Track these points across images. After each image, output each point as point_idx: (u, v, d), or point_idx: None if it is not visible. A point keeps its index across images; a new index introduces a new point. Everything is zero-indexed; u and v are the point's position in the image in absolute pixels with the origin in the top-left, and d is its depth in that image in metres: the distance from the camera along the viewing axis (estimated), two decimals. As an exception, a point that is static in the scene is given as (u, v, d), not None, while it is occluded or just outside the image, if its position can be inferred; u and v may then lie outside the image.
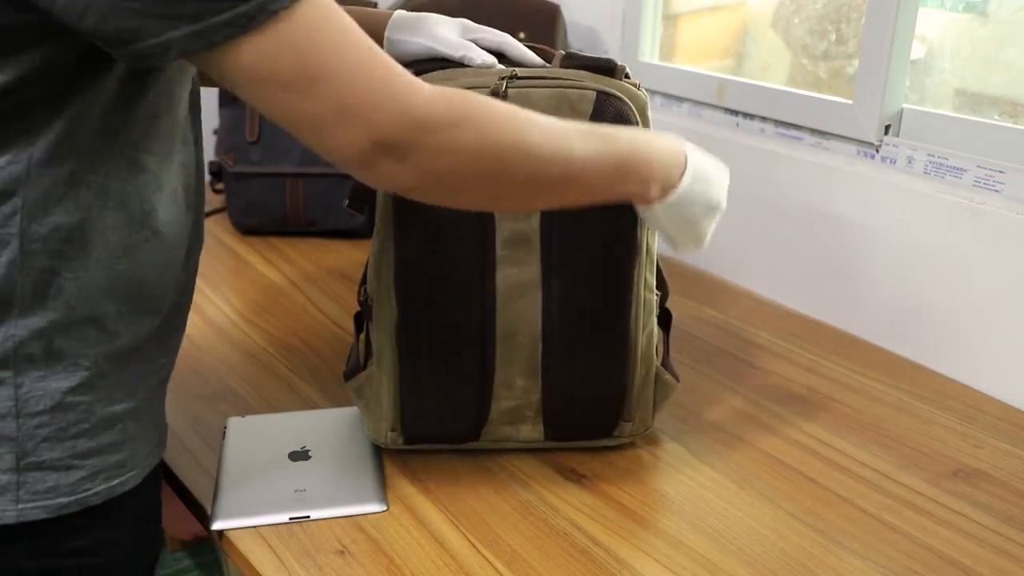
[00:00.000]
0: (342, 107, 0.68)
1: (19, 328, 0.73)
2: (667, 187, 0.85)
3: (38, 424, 0.75)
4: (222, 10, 0.64)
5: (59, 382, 0.75)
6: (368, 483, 0.97)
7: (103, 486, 0.79)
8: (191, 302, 0.89)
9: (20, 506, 0.75)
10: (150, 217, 0.78)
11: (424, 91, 0.71)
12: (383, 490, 0.96)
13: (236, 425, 1.07)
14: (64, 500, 0.76)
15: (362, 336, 1.06)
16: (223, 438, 1.05)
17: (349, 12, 0.99)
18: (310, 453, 1.02)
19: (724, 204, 0.90)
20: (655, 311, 1.03)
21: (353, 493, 0.96)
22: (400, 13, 0.99)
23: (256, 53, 0.66)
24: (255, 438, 1.05)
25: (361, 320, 1.06)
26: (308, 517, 0.92)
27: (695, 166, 0.87)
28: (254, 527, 0.91)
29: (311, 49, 0.66)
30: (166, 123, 0.79)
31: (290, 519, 0.92)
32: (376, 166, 0.71)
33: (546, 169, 0.77)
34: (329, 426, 1.08)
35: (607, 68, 0.96)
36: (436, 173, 0.73)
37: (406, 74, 0.71)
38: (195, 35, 0.64)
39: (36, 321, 0.73)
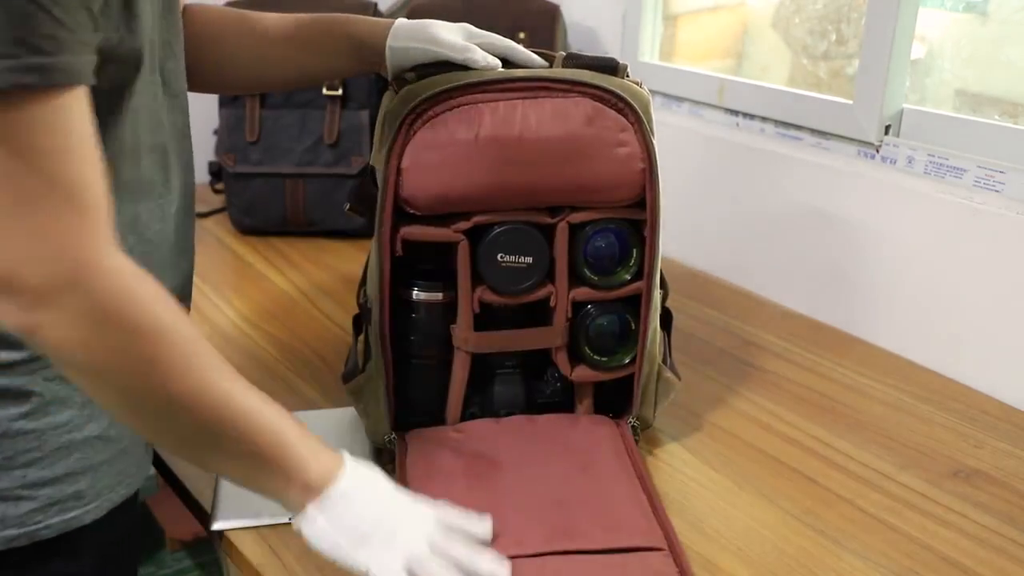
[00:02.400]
0: (11, 227, 0.59)
1: None
2: (302, 499, 0.75)
3: None
4: None
5: (6, 408, 0.71)
6: None
7: (57, 519, 0.74)
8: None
9: None
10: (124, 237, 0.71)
11: (107, 252, 0.62)
12: None
13: None
14: (13, 532, 0.72)
15: (361, 338, 1.06)
16: None
17: (351, 21, 0.99)
18: None
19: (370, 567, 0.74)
20: (658, 309, 1.03)
21: None
22: (402, 21, 0.99)
23: None
24: None
25: (360, 322, 1.06)
26: None
27: (348, 490, 0.75)
28: (254, 527, 0.91)
29: (28, 144, 0.58)
30: (138, 136, 0.75)
31: (290, 519, 0.92)
32: (11, 301, 0.61)
33: (186, 405, 0.68)
34: (329, 426, 1.08)
35: (609, 67, 0.96)
36: (56, 340, 0.63)
37: (105, 232, 0.62)
38: None
39: None
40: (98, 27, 0.64)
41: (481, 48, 0.96)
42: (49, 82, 0.58)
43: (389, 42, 0.97)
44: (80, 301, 0.62)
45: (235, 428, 0.70)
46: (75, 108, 0.61)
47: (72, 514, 0.75)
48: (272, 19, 0.98)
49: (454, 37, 0.96)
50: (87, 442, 0.76)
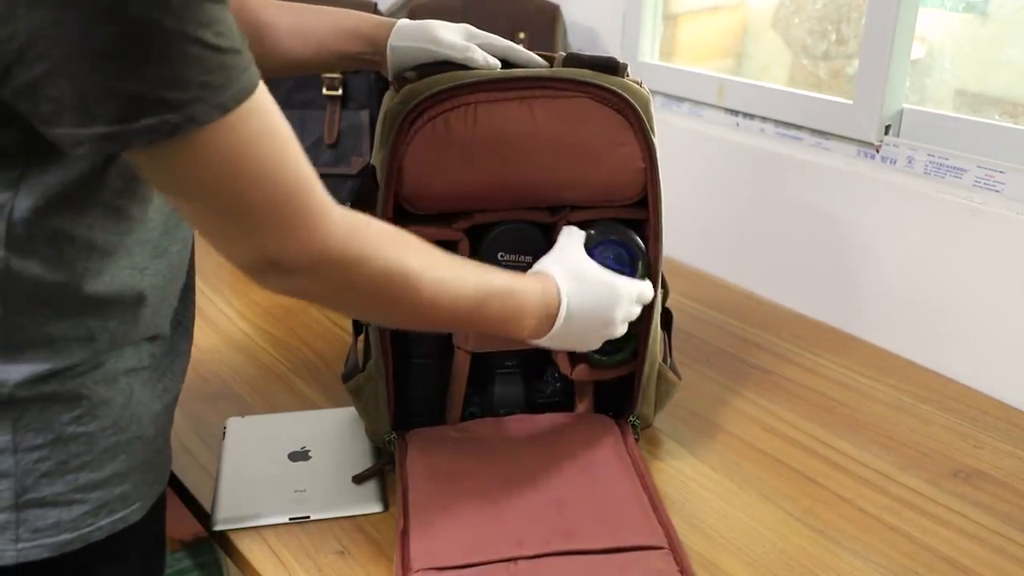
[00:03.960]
0: (251, 228, 0.67)
1: (10, 372, 0.70)
2: (538, 333, 0.89)
3: (37, 458, 0.72)
4: (145, 115, 0.59)
5: (59, 414, 0.72)
6: (368, 484, 0.97)
7: (107, 520, 0.75)
8: (192, 322, 0.87)
9: (19, 545, 0.72)
10: (134, 255, 0.75)
11: (334, 226, 0.71)
12: (383, 490, 0.96)
13: (236, 425, 1.07)
14: (67, 537, 0.73)
15: (361, 338, 1.06)
16: (223, 438, 1.05)
17: (352, 19, 0.99)
18: (310, 453, 1.02)
19: (615, 322, 0.92)
20: (659, 309, 1.03)
21: (353, 493, 0.96)
22: (403, 21, 0.99)
23: (174, 162, 0.62)
24: (255, 438, 1.05)
25: (360, 322, 1.06)
26: (308, 517, 0.92)
27: (570, 308, 0.89)
28: (254, 527, 0.91)
29: (232, 166, 0.64)
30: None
31: (290, 519, 0.92)
32: (265, 276, 0.71)
33: (427, 312, 0.80)
34: (329, 426, 1.08)
35: (610, 66, 0.96)
36: (316, 296, 0.77)
37: (323, 199, 0.71)
38: (109, 137, 0.60)
39: (27, 368, 0.70)
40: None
41: (481, 48, 0.96)
42: (227, 111, 0.62)
43: (391, 41, 0.98)
44: (328, 273, 0.72)
45: (475, 319, 0.84)
46: (262, 107, 0.65)
47: (120, 514, 0.77)
48: (276, 8, 0.99)
49: (454, 37, 0.96)
50: (130, 443, 0.77)
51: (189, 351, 0.87)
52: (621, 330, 0.93)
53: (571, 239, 0.95)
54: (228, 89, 0.62)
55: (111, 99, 0.58)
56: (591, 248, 0.97)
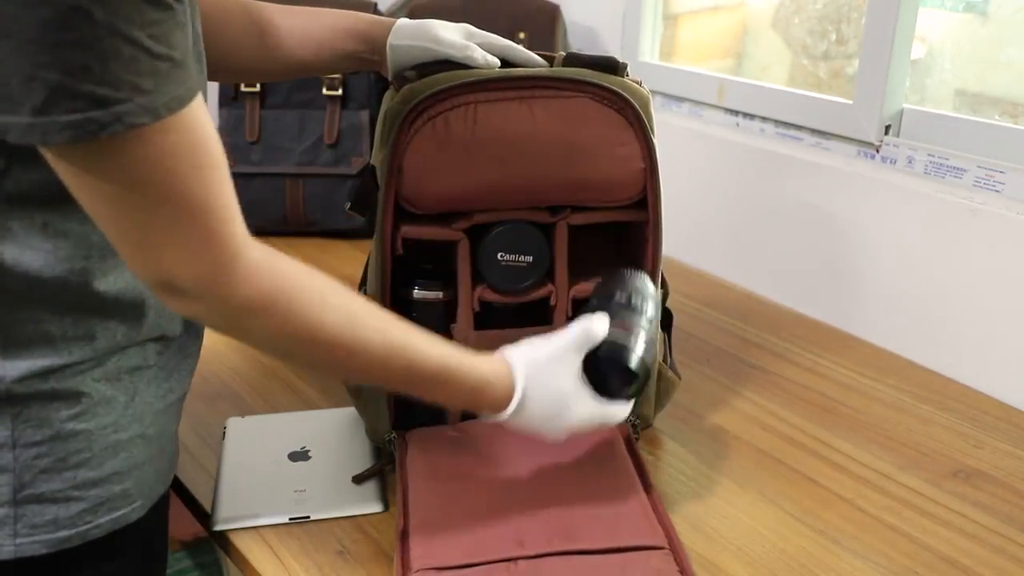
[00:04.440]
0: (153, 243, 0.64)
1: (8, 368, 0.70)
2: (490, 409, 0.83)
3: (36, 454, 0.72)
4: (70, 109, 0.57)
5: (58, 411, 0.72)
6: (368, 484, 0.97)
7: (106, 518, 0.75)
8: (202, 327, 0.87)
9: (17, 540, 0.72)
10: None
11: (249, 264, 0.68)
12: (383, 490, 0.96)
13: (236, 425, 1.07)
14: (65, 533, 0.73)
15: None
16: (223, 438, 1.05)
17: (351, 19, 0.99)
18: (310, 453, 1.02)
19: (574, 421, 0.85)
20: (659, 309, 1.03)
21: (353, 493, 0.96)
22: (403, 20, 0.99)
23: (93, 162, 0.61)
24: (255, 438, 1.05)
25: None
26: (308, 517, 0.92)
27: (526, 394, 0.82)
28: (254, 527, 0.91)
29: (151, 176, 0.62)
30: None
31: (290, 519, 0.92)
32: (162, 295, 0.68)
33: (341, 370, 0.78)
34: (329, 426, 1.08)
35: (610, 66, 0.96)
36: (216, 327, 0.73)
37: (235, 232, 0.67)
38: (33, 127, 0.58)
39: (26, 364, 0.71)
40: (184, 33, 0.65)
41: (480, 48, 0.96)
42: (157, 117, 0.61)
43: (390, 40, 0.98)
44: (221, 308, 0.69)
45: (406, 379, 0.79)
46: (194, 123, 0.64)
47: (119, 513, 0.77)
48: (276, 10, 0.99)
49: (454, 36, 0.96)
50: (131, 442, 0.77)
51: (198, 352, 0.87)
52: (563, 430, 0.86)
53: (572, 335, 0.86)
54: (160, 96, 0.60)
55: (34, 87, 0.57)
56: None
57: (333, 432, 1.06)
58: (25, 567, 0.73)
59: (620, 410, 0.87)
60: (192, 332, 0.84)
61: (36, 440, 0.72)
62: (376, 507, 0.94)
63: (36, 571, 0.73)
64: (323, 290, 0.74)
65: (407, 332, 0.77)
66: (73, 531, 0.74)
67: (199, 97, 0.64)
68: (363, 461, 1.01)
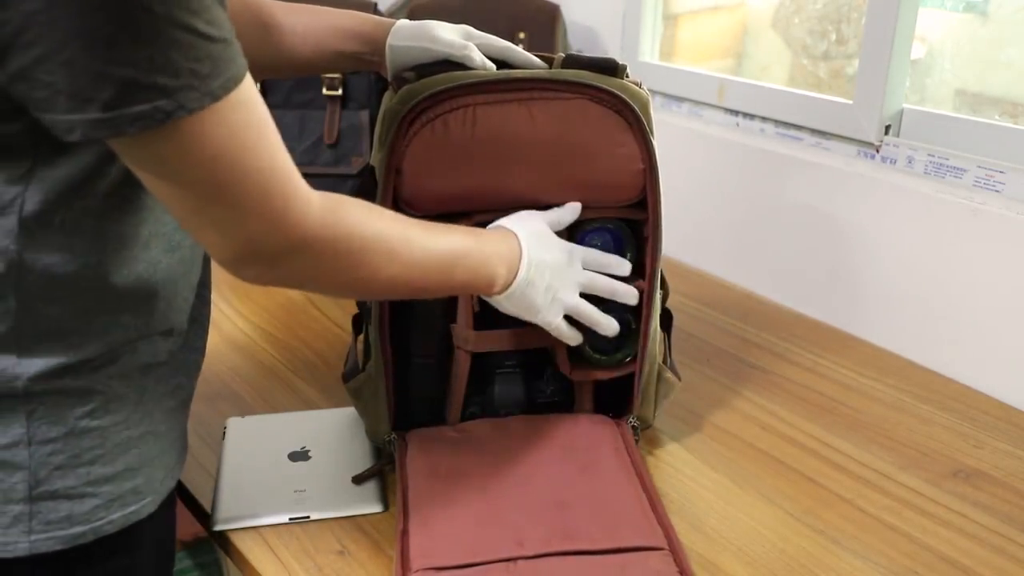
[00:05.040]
0: (234, 217, 0.68)
1: (25, 366, 0.71)
2: (503, 284, 0.90)
3: (51, 451, 0.72)
4: (138, 101, 0.60)
5: (72, 408, 0.73)
6: (368, 484, 0.97)
7: (118, 514, 0.76)
8: (208, 318, 0.88)
9: (32, 537, 0.72)
10: (150, 248, 0.76)
11: (313, 214, 0.71)
12: (383, 490, 0.96)
13: (236, 425, 1.07)
14: (79, 529, 0.74)
15: (360, 338, 1.06)
16: (223, 438, 1.05)
17: (351, 19, 1.00)
18: (310, 453, 1.02)
19: (566, 297, 0.95)
20: (658, 309, 1.03)
21: (352, 494, 0.96)
22: (403, 21, 1.00)
23: (161, 149, 0.63)
24: (255, 438, 1.05)
25: (360, 322, 1.06)
26: (308, 517, 0.92)
27: (530, 262, 0.91)
28: (254, 527, 0.91)
29: (218, 155, 0.65)
30: None
31: (290, 519, 0.92)
32: (246, 267, 0.72)
33: (404, 278, 0.81)
34: (329, 426, 1.08)
35: (609, 67, 0.96)
36: (299, 281, 0.78)
37: (300, 186, 0.71)
38: (102, 122, 0.61)
39: (42, 362, 0.71)
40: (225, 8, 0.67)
41: (479, 48, 0.97)
42: (216, 99, 0.63)
43: (390, 41, 0.98)
44: (311, 255, 0.73)
45: (448, 279, 0.86)
46: (249, 98, 0.66)
47: (132, 508, 0.77)
48: (278, 7, 1.00)
49: (453, 36, 0.97)
50: (142, 438, 0.78)
51: (204, 348, 0.87)
52: (572, 298, 0.95)
53: (531, 213, 0.96)
54: (217, 78, 0.63)
55: (104, 84, 0.59)
56: (584, 232, 0.98)
57: (333, 432, 1.06)
58: (39, 563, 0.73)
59: (614, 260, 0.98)
60: (197, 327, 0.85)
61: (51, 437, 0.72)
62: (376, 507, 0.94)
63: (49, 567, 0.74)
64: (372, 207, 0.80)
65: (431, 225, 0.85)
66: (87, 527, 0.75)
67: (248, 73, 0.67)
68: (363, 461, 1.01)
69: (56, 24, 0.58)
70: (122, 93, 0.60)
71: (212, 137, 0.64)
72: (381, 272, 0.79)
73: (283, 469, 1.00)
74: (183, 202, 0.67)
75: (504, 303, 0.92)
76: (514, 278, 0.90)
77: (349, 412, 1.10)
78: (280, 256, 0.71)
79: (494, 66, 0.97)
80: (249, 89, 0.66)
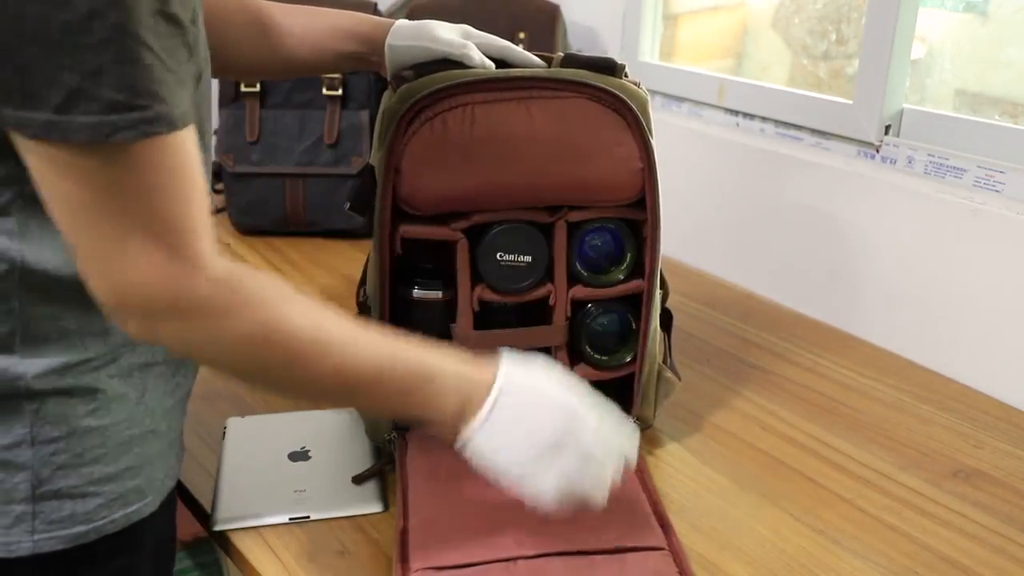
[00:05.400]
0: (133, 255, 0.64)
1: (28, 366, 0.71)
2: (457, 420, 0.77)
3: (54, 451, 0.73)
4: (89, 111, 0.59)
5: (75, 407, 0.73)
6: (368, 484, 0.97)
7: (120, 513, 0.76)
8: None
9: (36, 537, 0.73)
10: None
11: (215, 272, 0.67)
12: (383, 490, 0.96)
13: (236, 425, 1.07)
14: (81, 529, 0.74)
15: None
16: (223, 438, 1.05)
17: (350, 19, 1.00)
18: (310, 453, 1.02)
19: (589, 448, 0.76)
20: (658, 309, 1.03)
21: (353, 493, 0.96)
22: (402, 21, 1.00)
23: (92, 164, 0.61)
24: (255, 438, 1.05)
25: (360, 321, 1.05)
26: (308, 517, 0.92)
27: (508, 398, 0.75)
28: (254, 527, 0.91)
29: (147, 185, 0.63)
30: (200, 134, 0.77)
31: (290, 519, 0.92)
32: (123, 317, 0.68)
33: (308, 378, 0.73)
34: (329, 426, 1.08)
35: (608, 67, 0.96)
36: (183, 343, 0.70)
37: (203, 253, 0.66)
38: (52, 125, 0.60)
39: (45, 362, 0.72)
40: (191, 55, 0.67)
41: (479, 48, 0.97)
42: (173, 128, 0.62)
43: (389, 41, 0.98)
44: (194, 321, 0.67)
45: (372, 391, 0.75)
46: (186, 146, 0.65)
47: (134, 507, 0.77)
48: (276, 9, 1.00)
49: (452, 35, 0.97)
50: (143, 437, 0.78)
51: None
52: (558, 479, 0.77)
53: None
54: (175, 108, 0.62)
55: (57, 87, 0.59)
56: (584, 232, 0.98)
57: (333, 432, 1.06)
58: (41, 563, 0.73)
59: (628, 437, 0.82)
60: None
61: (54, 436, 0.72)
62: (376, 507, 0.94)
63: (51, 567, 0.74)
64: (288, 291, 0.72)
65: (367, 330, 0.75)
66: (89, 526, 0.75)
67: (194, 129, 0.66)
68: (363, 461, 1.01)
69: (14, 21, 0.58)
70: (73, 99, 0.59)
71: (150, 166, 0.62)
72: (280, 363, 0.71)
73: (283, 469, 1.00)
74: (81, 225, 0.64)
75: (472, 455, 0.79)
76: (470, 419, 0.77)
77: (349, 412, 1.09)
78: (156, 315, 0.66)
79: (493, 65, 0.97)
80: (194, 137, 0.65)
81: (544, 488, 0.77)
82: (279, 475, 0.98)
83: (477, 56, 0.95)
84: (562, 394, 0.78)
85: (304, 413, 1.11)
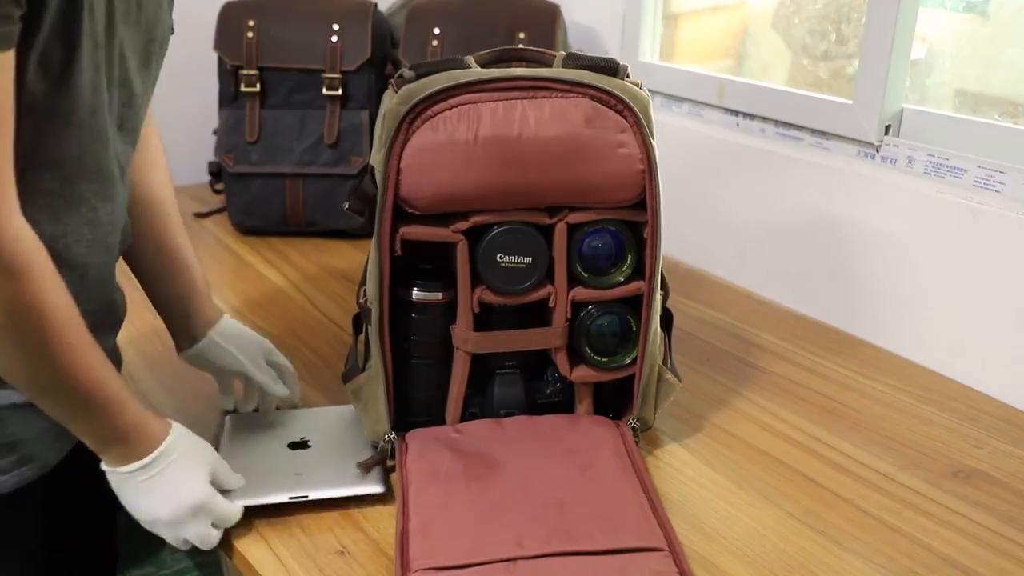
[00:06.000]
0: None
1: None
2: (118, 457, 0.84)
3: None
4: None
5: None
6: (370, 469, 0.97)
7: (12, 475, 0.82)
8: (99, 299, 0.89)
9: None
10: (60, 222, 0.78)
11: (11, 233, 0.70)
12: (384, 472, 0.96)
13: (234, 420, 1.07)
14: None
15: (360, 338, 1.06)
16: (221, 430, 1.05)
17: (195, 291, 1.05)
18: (309, 443, 1.02)
19: (170, 521, 0.86)
20: (659, 310, 1.03)
21: (352, 475, 0.96)
22: (229, 322, 1.08)
23: None
24: (254, 431, 1.05)
25: (360, 322, 1.06)
26: (307, 497, 0.92)
27: (166, 458, 0.85)
28: (256, 506, 0.91)
29: None
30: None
31: (290, 499, 0.92)
32: None
33: (53, 373, 0.77)
34: (328, 421, 1.08)
35: (609, 68, 0.96)
36: None
37: (8, 203, 0.70)
38: None
39: None
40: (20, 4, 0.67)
41: (277, 368, 1.07)
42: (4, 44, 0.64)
43: (212, 333, 1.05)
44: None
45: (88, 402, 0.80)
46: (5, 67, 0.66)
47: (15, 472, 0.84)
48: (167, 204, 1.04)
49: (257, 358, 1.07)
50: (13, 409, 0.82)
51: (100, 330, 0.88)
52: (174, 532, 0.88)
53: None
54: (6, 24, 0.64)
55: None
56: (584, 233, 0.98)
57: (333, 426, 1.06)
58: None
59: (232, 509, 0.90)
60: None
61: None
62: (377, 487, 0.94)
63: None
64: (56, 272, 0.76)
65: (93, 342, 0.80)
66: None
67: (12, 52, 0.67)
68: (363, 449, 1.01)
69: None
70: None
71: None
72: (34, 338, 0.74)
73: (283, 456, 1.00)
74: None
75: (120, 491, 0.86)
76: (131, 459, 0.84)
77: (347, 409, 1.09)
78: None
79: (287, 391, 1.09)
80: (8, 62, 0.66)
81: (166, 535, 0.88)
82: (279, 461, 0.99)
83: (269, 384, 1.05)
84: (200, 475, 0.88)
85: (302, 410, 1.11)
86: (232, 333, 1.07)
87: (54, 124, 0.76)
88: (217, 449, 1.01)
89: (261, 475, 0.96)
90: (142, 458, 0.84)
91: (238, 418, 1.08)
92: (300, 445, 1.02)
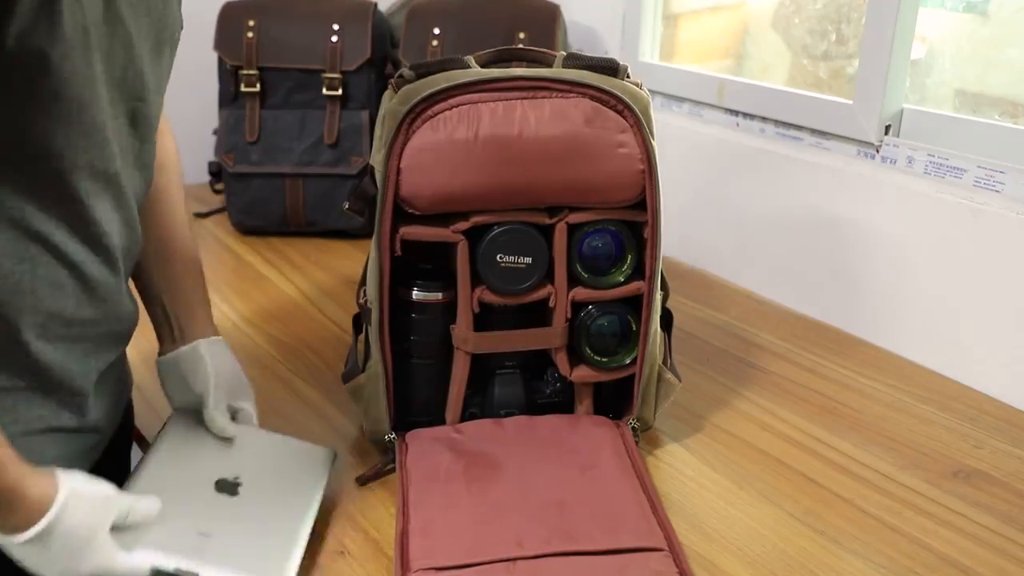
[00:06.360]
0: None
1: None
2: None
3: None
4: None
5: None
6: (286, 549, 0.83)
7: None
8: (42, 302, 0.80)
9: None
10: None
11: None
12: (298, 562, 0.83)
13: (177, 422, 0.94)
14: None
15: (361, 338, 1.06)
16: (161, 430, 0.94)
17: (200, 315, 0.98)
18: (239, 488, 0.88)
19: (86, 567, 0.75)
20: (658, 310, 1.03)
21: (260, 561, 0.81)
22: (217, 344, 0.98)
23: None
24: (189, 445, 0.92)
25: (360, 322, 1.06)
26: (197, 575, 0.77)
27: (60, 526, 0.73)
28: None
29: None
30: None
31: (175, 570, 0.77)
32: None
33: None
34: (278, 459, 0.94)
35: (610, 68, 0.96)
36: None
37: None
38: None
39: None
40: None
41: (235, 416, 0.96)
42: None
43: (201, 343, 0.98)
44: None
45: None
46: None
47: None
48: (170, 235, 0.99)
49: (218, 394, 0.95)
50: None
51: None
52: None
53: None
54: None
55: None
56: (584, 233, 0.98)
57: (281, 468, 0.93)
58: None
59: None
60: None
61: None
62: None
63: None
64: None
65: None
66: None
67: None
68: (300, 507, 0.89)
69: None
70: None
71: None
72: None
73: (202, 499, 0.86)
74: None
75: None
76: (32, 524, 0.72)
77: (316, 449, 0.98)
78: None
79: (235, 432, 0.94)
80: None
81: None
82: (194, 507, 0.84)
83: (219, 421, 0.93)
84: (99, 541, 0.77)
85: (256, 434, 0.98)
86: (219, 354, 0.99)
87: (36, 115, 0.72)
88: (152, 444, 0.92)
89: (167, 517, 0.80)
90: (30, 526, 0.72)
91: (183, 421, 0.95)
92: (228, 487, 0.88)
